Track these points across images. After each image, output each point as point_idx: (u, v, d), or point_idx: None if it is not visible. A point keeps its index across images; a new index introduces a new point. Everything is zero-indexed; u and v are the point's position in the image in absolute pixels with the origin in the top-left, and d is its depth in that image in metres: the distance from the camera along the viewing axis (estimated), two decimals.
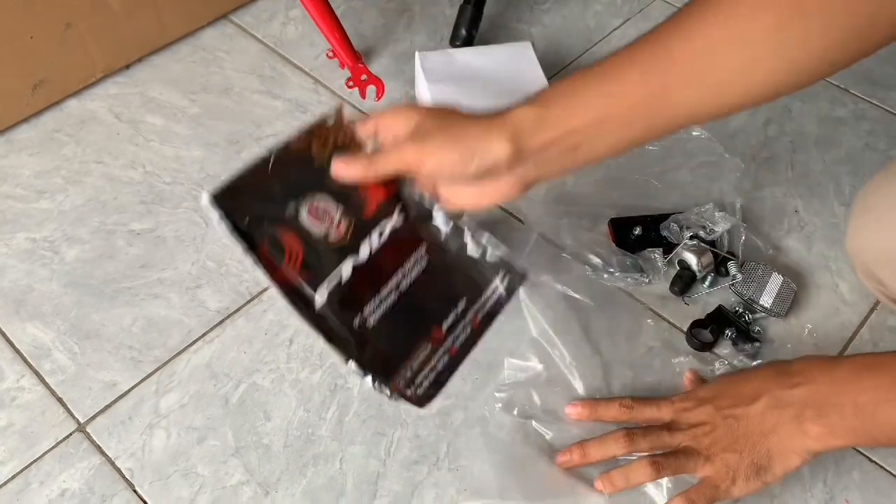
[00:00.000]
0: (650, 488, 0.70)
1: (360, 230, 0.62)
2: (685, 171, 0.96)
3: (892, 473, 0.75)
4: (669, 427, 0.69)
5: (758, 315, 0.84)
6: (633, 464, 0.68)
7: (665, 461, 0.67)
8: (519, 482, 0.71)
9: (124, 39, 1.04)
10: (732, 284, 0.85)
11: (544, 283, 0.83)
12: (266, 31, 1.13)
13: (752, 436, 0.65)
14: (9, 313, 0.83)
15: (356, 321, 0.60)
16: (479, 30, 1.09)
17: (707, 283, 0.86)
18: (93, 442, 0.75)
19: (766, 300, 0.83)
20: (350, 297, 0.60)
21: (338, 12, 1.01)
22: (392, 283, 0.62)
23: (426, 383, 0.61)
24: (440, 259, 0.66)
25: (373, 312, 0.61)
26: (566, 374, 0.78)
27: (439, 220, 0.66)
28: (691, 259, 0.85)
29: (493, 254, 0.67)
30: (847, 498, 0.73)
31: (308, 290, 0.58)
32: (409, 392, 0.60)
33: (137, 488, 0.72)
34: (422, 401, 0.61)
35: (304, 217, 0.60)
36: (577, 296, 0.83)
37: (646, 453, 0.68)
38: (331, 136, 0.62)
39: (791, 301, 0.84)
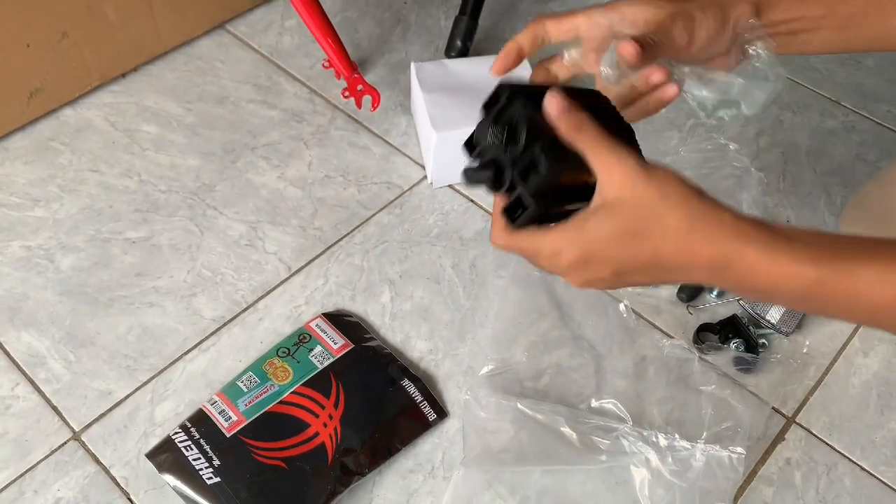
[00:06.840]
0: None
1: None
2: (714, 180, 0.96)
3: (883, 482, 0.76)
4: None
5: (763, 330, 0.85)
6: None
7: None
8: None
9: (120, 48, 1.04)
10: (739, 298, 0.86)
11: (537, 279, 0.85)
12: (262, 40, 1.13)
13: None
14: (3, 321, 0.83)
15: None
16: (473, 41, 1.10)
17: (715, 293, 0.87)
18: (88, 450, 0.75)
19: (774, 315, 0.84)
20: None
21: (333, 22, 1.01)
22: None
23: None
24: None
25: None
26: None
27: None
28: None
29: None
30: None
31: None
32: None
33: (132, 497, 0.72)
34: None
35: None
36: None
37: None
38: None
39: (799, 321, 0.85)
